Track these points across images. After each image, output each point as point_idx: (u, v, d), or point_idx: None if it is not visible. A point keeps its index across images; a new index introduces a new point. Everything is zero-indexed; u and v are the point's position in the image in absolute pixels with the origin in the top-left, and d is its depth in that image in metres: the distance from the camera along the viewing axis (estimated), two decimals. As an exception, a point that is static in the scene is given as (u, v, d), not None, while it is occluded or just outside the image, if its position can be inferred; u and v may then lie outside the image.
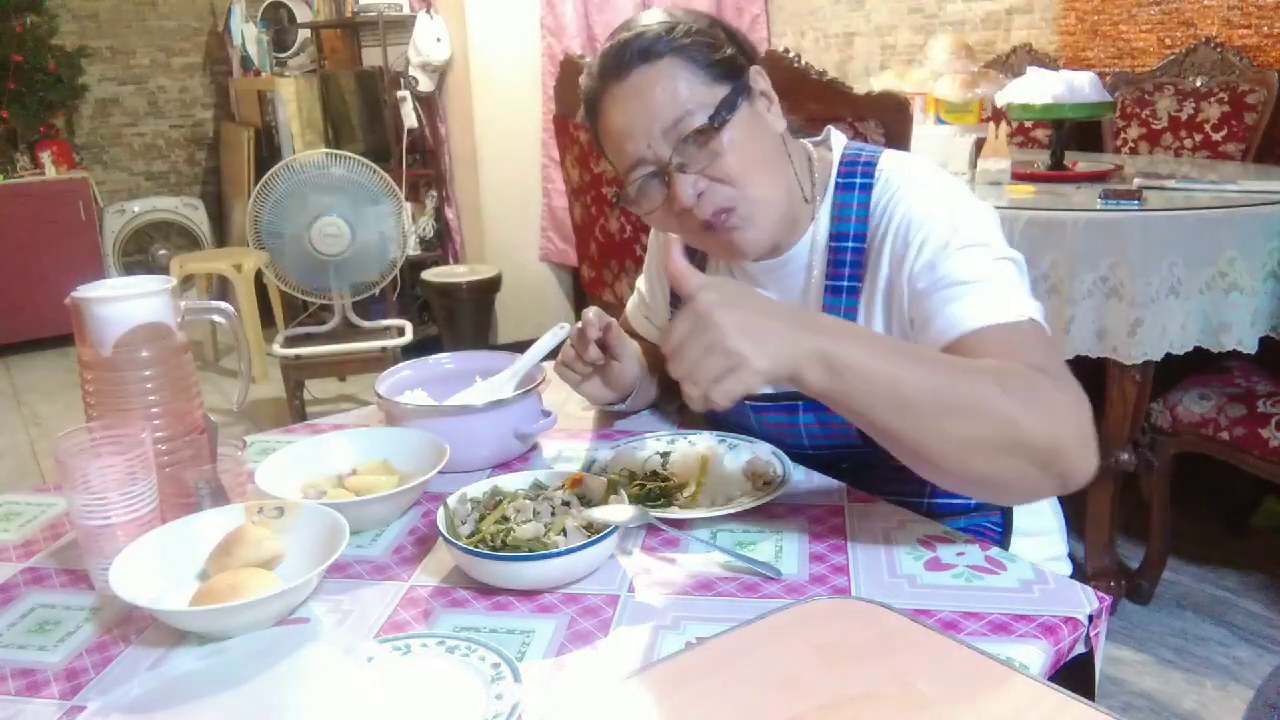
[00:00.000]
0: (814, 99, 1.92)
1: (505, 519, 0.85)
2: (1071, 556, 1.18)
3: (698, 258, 1.14)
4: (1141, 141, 2.96)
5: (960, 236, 0.92)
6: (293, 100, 4.30)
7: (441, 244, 4.33)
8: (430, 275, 3.92)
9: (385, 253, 3.21)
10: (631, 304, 1.35)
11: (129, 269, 5.02)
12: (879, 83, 2.94)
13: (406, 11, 4.04)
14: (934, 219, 0.94)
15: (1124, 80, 3.02)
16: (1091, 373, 1.97)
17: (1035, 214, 1.90)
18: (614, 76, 0.95)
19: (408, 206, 4.16)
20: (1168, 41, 3.01)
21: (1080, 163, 2.51)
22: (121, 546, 0.80)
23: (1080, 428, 0.79)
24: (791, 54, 1.97)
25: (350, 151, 4.16)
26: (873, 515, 0.93)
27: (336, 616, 0.79)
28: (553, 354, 1.17)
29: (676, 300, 1.16)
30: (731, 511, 0.92)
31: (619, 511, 0.84)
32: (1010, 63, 3.25)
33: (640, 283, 1.33)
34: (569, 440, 1.16)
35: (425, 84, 3.99)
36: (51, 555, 0.92)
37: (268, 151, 4.57)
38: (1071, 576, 0.87)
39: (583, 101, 1.01)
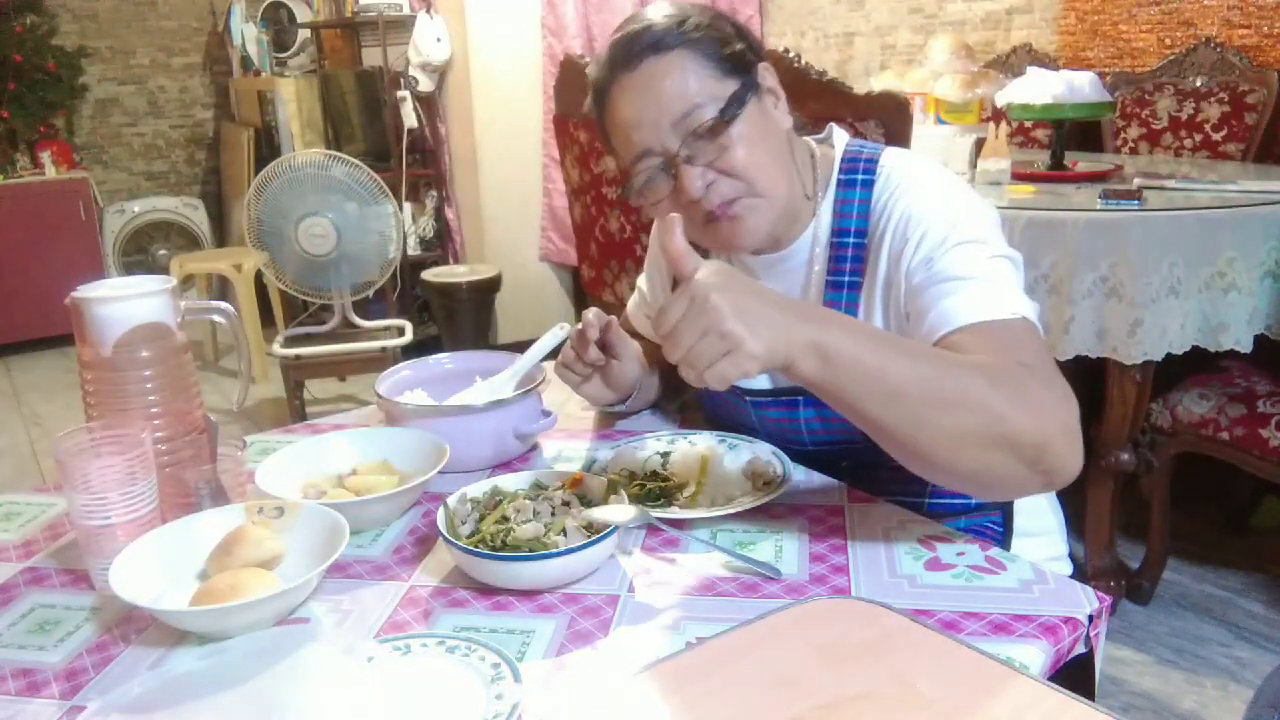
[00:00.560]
0: (814, 99, 1.92)
1: (505, 519, 0.85)
2: (1071, 556, 1.18)
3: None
4: (1141, 141, 2.96)
5: (958, 233, 0.93)
6: (293, 100, 4.30)
7: (441, 244, 4.33)
8: (430, 275, 3.92)
9: (378, 253, 3.20)
10: (632, 303, 1.35)
11: (129, 269, 5.02)
12: (879, 83, 2.94)
13: (406, 11, 4.04)
14: (933, 215, 0.95)
15: (1124, 80, 3.02)
16: (1091, 373, 1.97)
17: (1035, 214, 1.90)
18: (624, 67, 0.95)
19: (408, 206, 4.16)
20: (1168, 41, 3.01)
21: (1080, 163, 2.51)
22: (121, 546, 0.80)
23: (1066, 425, 0.80)
24: (791, 54, 1.97)
25: (350, 151, 4.17)
26: (873, 515, 0.93)
27: (336, 616, 0.79)
28: (553, 354, 1.17)
29: (675, 286, 1.15)
30: (731, 511, 0.92)
31: (619, 511, 0.84)
32: (1010, 63, 3.25)
33: (641, 281, 1.33)
34: (569, 440, 1.16)
35: (425, 84, 3.99)
36: (51, 555, 0.92)
37: (268, 151, 4.57)
38: (1071, 576, 0.87)
39: (590, 91, 1.02)
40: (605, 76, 0.98)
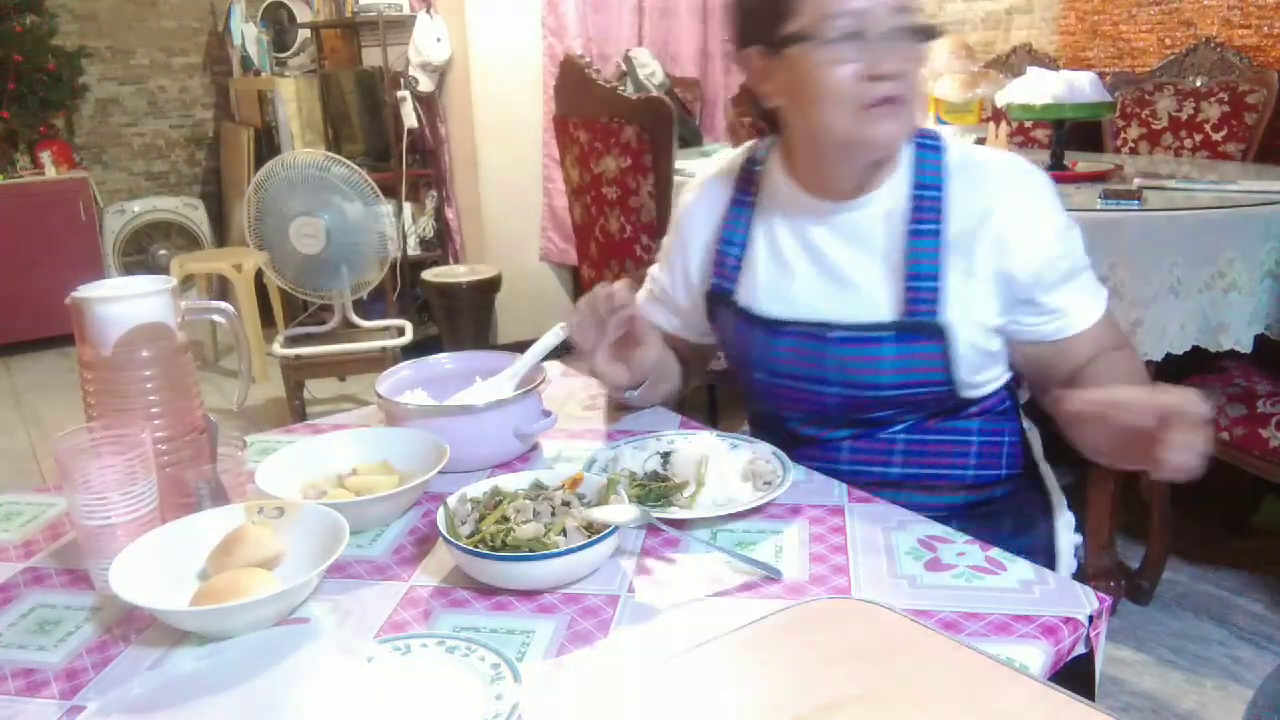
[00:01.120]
0: (814, 99, 1.92)
1: (505, 519, 0.85)
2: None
3: (753, 182, 1.17)
4: (1141, 141, 2.96)
5: (1061, 220, 1.06)
6: (293, 100, 4.30)
7: (441, 244, 4.33)
8: (430, 275, 3.91)
9: (373, 252, 3.20)
10: (643, 295, 1.32)
11: (129, 269, 5.01)
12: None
13: (406, 11, 4.03)
14: (1043, 207, 1.06)
15: (1124, 80, 3.02)
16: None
17: (1035, 214, 1.90)
18: None
19: (408, 206, 4.16)
20: (1168, 41, 3.01)
21: (1080, 163, 2.51)
22: (121, 546, 0.80)
23: None
24: (791, 54, 1.97)
25: (350, 151, 4.17)
26: (873, 515, 0.94)
27: (336, 616, 0.79)
28: (553, 354, 1.16)
29: (716, 303, 1.20)
30: (731, 511, 0.92)
31: (619, 511, 0.84)
32: (1010, 63, 3.25)
33: (656, 272, 1.31)
34: (569, 440, 1.16)
35: (425, 84, 3.99)
36: (51, 555, 0.92)
37: (268, 151, 4.56)
38: (1073, 576, 0.87)
39: None
40: None
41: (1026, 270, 1.04)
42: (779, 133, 1.13)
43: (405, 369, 1.19)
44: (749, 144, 1.22)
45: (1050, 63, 3.16)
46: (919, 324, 1.05)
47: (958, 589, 0.80)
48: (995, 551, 0.86)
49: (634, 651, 0.73)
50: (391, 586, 0.84)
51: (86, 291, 0.88)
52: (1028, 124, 3.16)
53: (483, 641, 0.72)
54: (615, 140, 2.29)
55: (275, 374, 3.47)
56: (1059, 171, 2.38)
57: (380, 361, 3.11)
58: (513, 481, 0.93)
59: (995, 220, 1.04)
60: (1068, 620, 0.75)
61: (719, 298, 1.18)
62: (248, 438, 1.12)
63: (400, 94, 3.99)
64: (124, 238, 5.04)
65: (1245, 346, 1.88)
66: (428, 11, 3.89)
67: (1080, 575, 1.07)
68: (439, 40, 3.88)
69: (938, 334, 1.05)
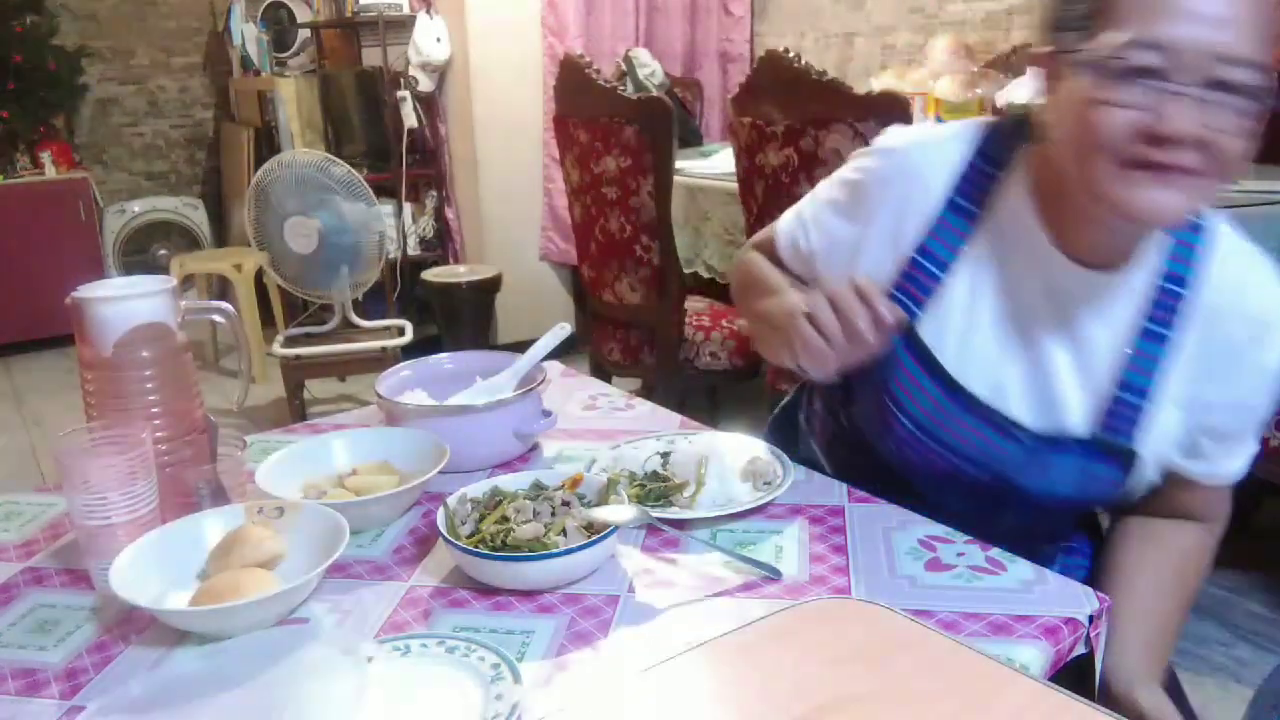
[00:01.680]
0: (814, 99, 1.92)
1: (505, 519, 0.85)
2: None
3: (975, 224, 0.93)
4: (1141, 141, 2.95)
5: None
6: (293, 100, 4.30)
7: (441, 244, 4.33)
8: (430, 275, 3.91)
9: (368, 252, 3.21)
10: (789, 230, 1.06)
11: (129, 269, 5.01)
12: (879, 83, 2.94)
13: (406, 11, 4.03)
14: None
15: (1124, 80, 3.01)
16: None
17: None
18: None
19: (408, 206, 4.16)
20: (1168, 41, 3.00)
21: (1080, 163, 2.51)
22: (121, 546, 0.80)
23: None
24: (791, 54, 1.97)
25: (350, 151, 4.17)
26: (873, 515, 0.93)
27: (336, 616, 0.79)
28: (553, 354, 1.16)
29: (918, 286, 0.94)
30: (731, 511, 0.92)
31: (619, 511, 0.84)
32: (1010, 63, 3.24)
33: (809, 219, 1.04)
34: (569, 440, 1.16)
35: (425, 84, 3.99)
36: (51, 555, 0.92)
37: (268, 151, 4.56)
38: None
39: None
40: None
41: (1226, 408, 0.90)
42: (1033, 142, 0.90)
43: (405, 369, 1.19)
44: (985, 123, 0.96)
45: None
46: (1110, 444, 0.90)
47: (958, 589, 0.80)
48: (995, 551, 0.86)
49: (634, 651, 0.73)
50: (391, 586, 0.84)
51: (86, 291, 0.88)
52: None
53: (483, 641, 0.72)
54: (615, 140, 2.29)
55: (275, 374, 3.47)
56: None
57: (380, 361, 3.11)
58: (513, 481, 0.93)
59: (1237, 349, 0.87)
60: (1068, 620, 0.75)
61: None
62: (248, 438, 1.12)
63: (400, 94, 3.99)
64: (124, 238, 5.04)
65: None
66: (428, 11, 3.89)
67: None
68: (439, 40, 3.88)
69: (1126, 457, 0.90)
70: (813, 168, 1.95)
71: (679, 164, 2.41)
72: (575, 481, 0.91)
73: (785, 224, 1.08)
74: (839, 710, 0.62)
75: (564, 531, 0.83)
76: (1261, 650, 1.98)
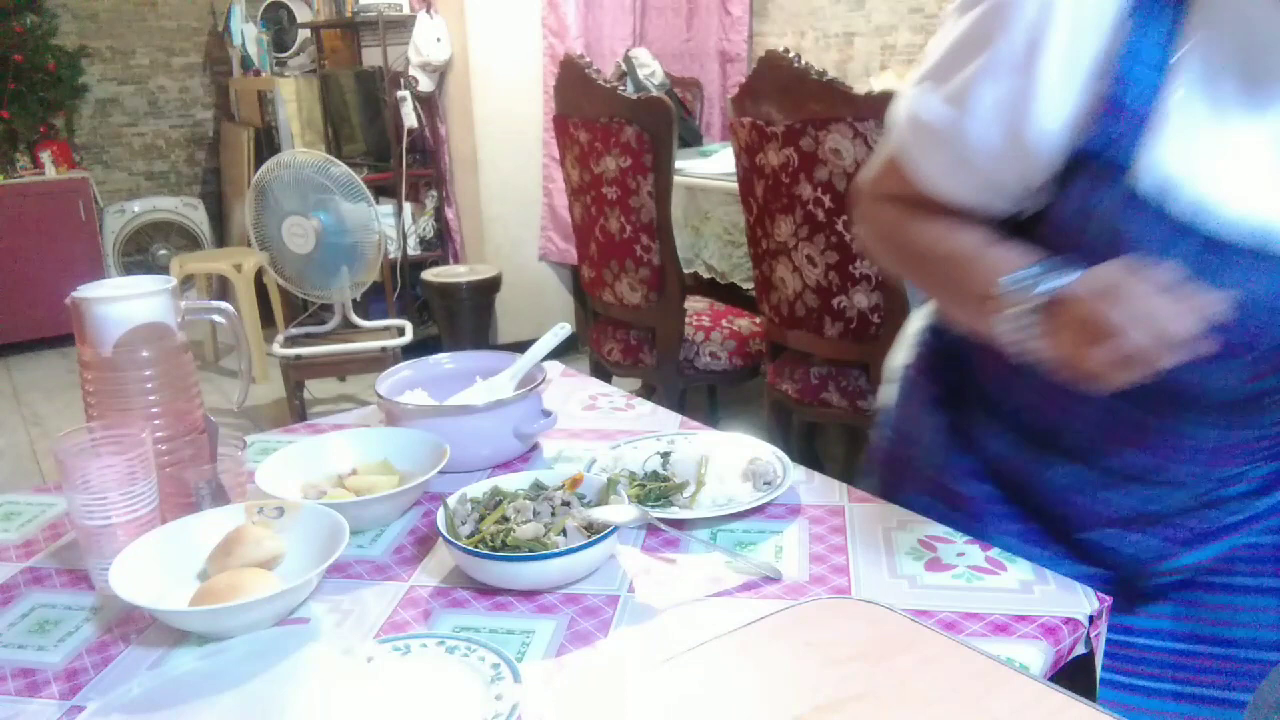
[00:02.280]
0: (814, 99, 1.92)
1: (505, 519, 0.85)
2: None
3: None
4: (1141, 141, 2.95)
5: None
6: (293, 100, 4.30)
7: (441, 244, 4.33)
8: (430, 275, 3.91)
9: (370, 253, 3.21)
10: (917, 149, 0.82)
11: (129, 269, 5.01)
12: (879, 83, 2.94)
13: (406, 11, 4.03)
14: None
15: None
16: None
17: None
18: None
19: (408, 206, 4.16)
20: (1168, 41, 3.00)
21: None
22: (121, 546, 0.80)
23: None
24: (791, 54, 1.97)
25: (350, 151, 4.17)
26: (873, 515, 0.93)
27: (336, 616, 0.79)
28: (553, 354, 1.16)
29: (1082, 173, 0.73)
30: (731, 511, 0.92)
31: (619, 511, 0.84)
32: (1010, 63, 3.25)
33: (965, 95, 0.77)
34: (569, 440, 1.16)
35: (425, 84, 3.99)
36: (51, 555, 0.92)
37: (268, 151, 4.56)
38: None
39: None
40: None
41: None
42: None
43: (405, 369, 1.19)
44: None
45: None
46: None
47: (958, 589, 0.80)
48: (995, 551, 0.86)
49: (634, 651, 0.73)
50: (391, 586, 0.84)
51: (86, 291, 0.88)
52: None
53: (483, 641, 0.72)
54: (615, 140, 2.29)
55: (275, 374, 3.47)
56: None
57: (380, 361, 3.11)
58: (513, 481, 0.93)
59: None
60: (1068, 620, 0.75)
61: (1094, 163, 0.71)
62: (248, 438, 1.12)
63: (400, 94, 3.99)
64: (124, 238, 5.04)
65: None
66: (428, 11, 3.89)
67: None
68: (439, 40, 3.88)
69: None
70: (813, 168, 1.95)
71: (679, 164, 2.41)
72: (575, 481, 0.91)
73: (911, 147, 0.83)
74: (839, 710, 0.62)
75: (564, 531, 0.83)
76: (1261, 650, 1.97)
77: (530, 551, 0.81)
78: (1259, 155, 0.70)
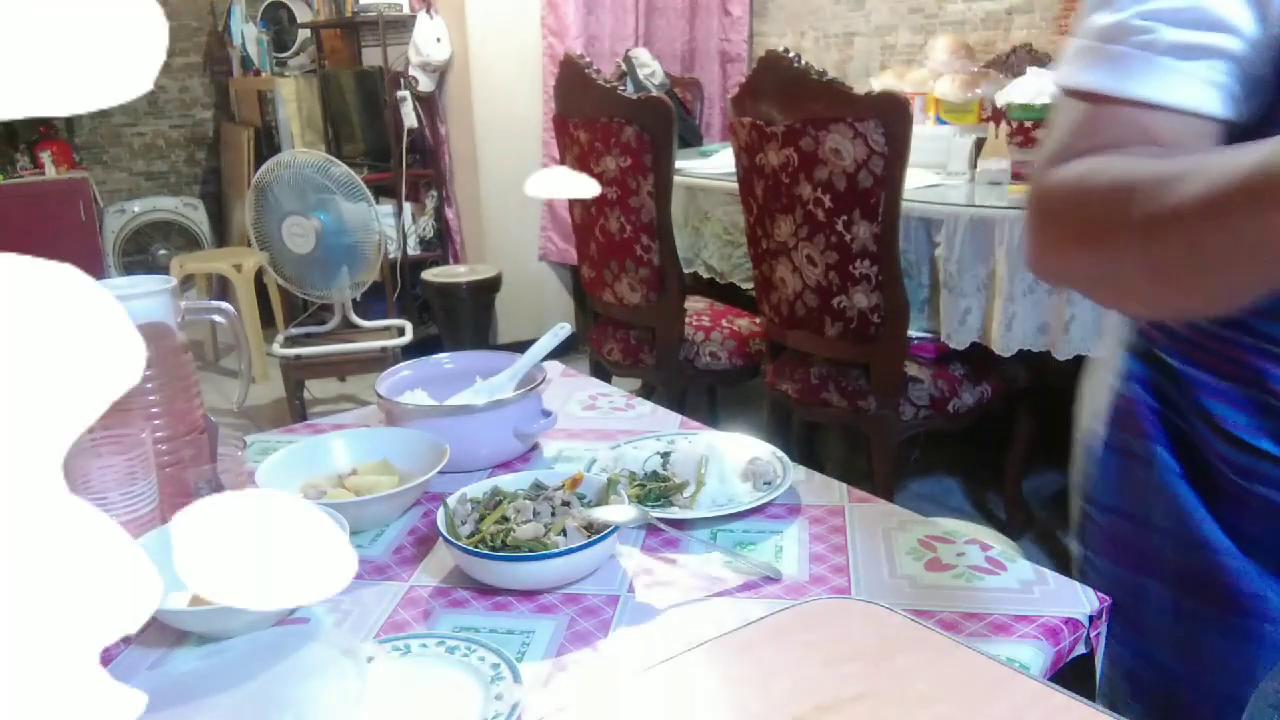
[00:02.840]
0: (814, 99, 1.92)
1: (505, 519, 0.85)
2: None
3: None
4: (1141, 141, 2.95)
5: None
6: (293, 100, 4.30)
7: (441, 244, 4.33)
8: (430, 275, 3.92)
9: (370, 253, 3.21)
10: (1111, 80, 0.68)
11: (129, 269, 5.01)
12: (879, 83, 2.94)
13: (406, 11, 4.03)
14: None
15: (1124, 80, 3.01)
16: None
17: (1035, 214, 1.90)
18: None
19: (408, 206, 4.16)
20: (1168, 41, 3.00)
21: (1080, 163, 2.50)
22: (121, 546, 0.80)
23: None
24: (791, 54, 1.97)
25: (350, 151, 4.17)
26: (873, 515, 0.93)
27: (336, 616, 0.79)
28: (553, 354, 1.16)
29: None
30: (731, 511, 0.92)
31: (619, 511, 0.84)
32: (1010, 63, 3.24)
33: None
34: (569, 440, 1.16)
35: (425, 84, 3.99)
36: (51, 555, 0.92)
37: (268, 151, 4.56)
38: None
39: None
40: None
41: None
42: None
43: (405, 369, 1.19)
44: None
45: (1050, 63, 3.16)
46: None
47: (958, 589, 0.80)
48: (995, 551, 0.86)
49: (634, 651, 0.73)
50: (391, 586, 0.84)
51: (86, 291, 0.88)
52: (1028, 124, 3.16)
53: (483, 641, 0.72)
54: (615, 140, 2.29)
55: (275, 374, 3.47)
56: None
57: (380, 361, 3.11)
58: (513, 481, 0.93)
59: None
60: (1068, 620, 0.75)
61: None
62: (248, 437, 1.12)
63: (400, 94, 3.99)
64: (124, 238, 5.04)
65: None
66: (428, 11, 3.89)
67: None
68: (439, 40, 3.88)
69: None
70: (813, 168, 1.95)
71: (679, 164, 2.41)
72: (575, 481, 0.91)
73: (1094, 77, 0.70)
74: (839, 710, 0.62)
75: (564, 531, 0.83)
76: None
77: (530, 551, 0.81)
78: None
